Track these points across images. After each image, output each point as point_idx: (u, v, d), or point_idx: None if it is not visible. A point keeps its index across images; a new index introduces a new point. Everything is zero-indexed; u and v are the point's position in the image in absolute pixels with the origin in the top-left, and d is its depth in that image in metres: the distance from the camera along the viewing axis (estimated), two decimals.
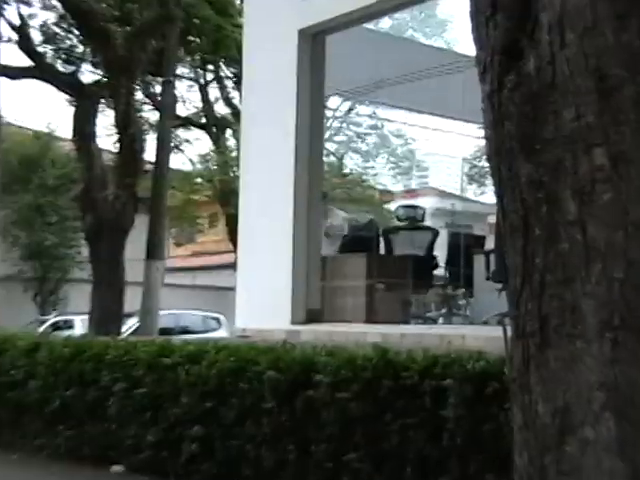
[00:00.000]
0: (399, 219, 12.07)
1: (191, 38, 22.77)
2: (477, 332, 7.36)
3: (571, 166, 2.13)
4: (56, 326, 23.14)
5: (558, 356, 2.16)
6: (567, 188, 2.13)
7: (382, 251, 10.79)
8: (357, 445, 5.75)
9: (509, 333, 2.36)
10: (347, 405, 5.79)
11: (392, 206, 24.28)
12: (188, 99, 28.19)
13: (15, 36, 19.06)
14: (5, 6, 18.13)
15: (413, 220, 11.60)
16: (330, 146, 29.10)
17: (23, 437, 8.96)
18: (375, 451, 5.64)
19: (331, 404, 5.89)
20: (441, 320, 10.22)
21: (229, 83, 27.38)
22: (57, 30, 21.59)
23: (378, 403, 5.63)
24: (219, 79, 27.75)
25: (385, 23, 10.26)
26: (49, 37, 21.54)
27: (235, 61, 21.17)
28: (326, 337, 7.73)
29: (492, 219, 12.61)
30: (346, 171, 32.47)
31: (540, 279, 2.18)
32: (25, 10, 20.41)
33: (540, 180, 2.19)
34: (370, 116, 32.51)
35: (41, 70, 19.68)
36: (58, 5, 20.37)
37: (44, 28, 21.41)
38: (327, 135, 23.26)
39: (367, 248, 10.21)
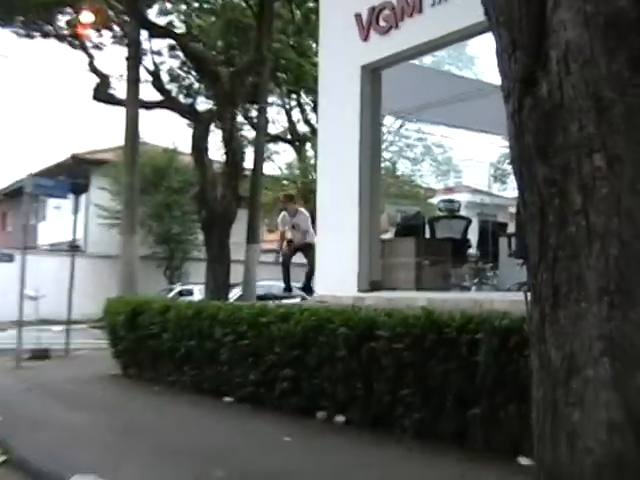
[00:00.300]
0: (440, 210, 11.97)
1: (279, 74, 22.85)
2: (502, 297, 7.27)
3: (576, 167, 2.14)
4: (180, 293, 23.52)
5: (567, 315, 2.17)
6: (574, 185, 2.14)
7: (427, 235, 10.73)
8: (409, 384, 5.74)
9: (529, 297, 2.37)
10: (401, 354, 5.77)
11: (434, 200, 24.12)
12: (277, 120, 28.39)
13: (150, 78, 19.35)
14: (143, 57, 18.40)
15: (451, 211, 11.50)
16: (386, 154, 28.94)
17: (160, 375, 9.15)
18: (423, 388, 5.62)
19: (389, 353, 5.88)
20: (474, 288, 10.11)
21: (308, 108, 27.45)
22: (180, 72, 21.89)
23: (425, 352, 5.61)
24: (300, 105, 27.85)
25: (427, 59, 10.25)
26: (174, 78, 21.86)
27: (312, 91, 21.17)
28: (385, 302, 7.73)
29: (512, 209, 12.46)
30: (398, 174, 32.33)
31: (553, 256, 2.18)
32: (157, 59, 20.74)
33: (553, 179, 2.20)
34: (416, 131, 32.26)
35: (169, 102, 19.95)
36: (181, 54, 20.64)
37: (171, 71, 21.73)
38: (383, 146, 23.13)
39: (415, 233, 10.16)
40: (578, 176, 2.14)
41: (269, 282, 22.26)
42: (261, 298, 16.61)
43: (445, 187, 34.83)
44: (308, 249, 11.91)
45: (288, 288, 12.57)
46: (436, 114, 12.33)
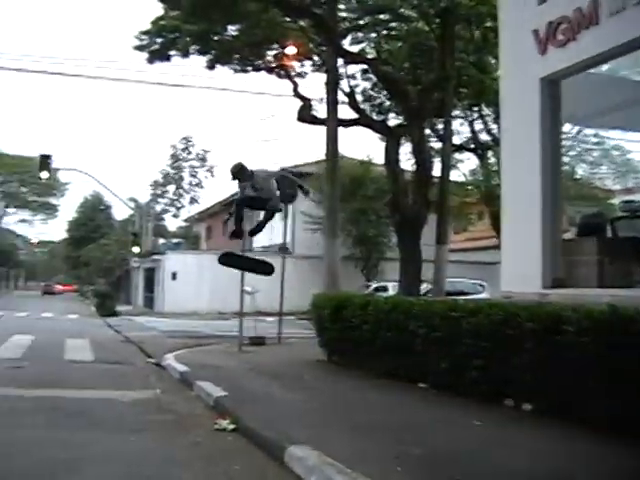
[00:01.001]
0: (622, 210, 11.21)
1: (461, 90, 22.47)
2: None
3: None
4: (376, 289, 23.79)
5: None
6: None
7: (609, 234, 10.08)
8: (595, 376, 5.44)
9: None
10: (587, 346, 5.49)
11: (614, 201, 22.71)
12: (460, 131, 27.98)
13: (346, 99, 19.73)
14: (340, 81, 18.80)
15: (633, 210, 10.74)
16: (564, 159, 27.66)
17: (360, 361, 9.29)
18: (609, 380, 5.31)
19: (575, 345, 5.61)
20: None
21: (489, 118, 26.86)
22: (372, 93, 22.14)
23: (611, 345, 5.30)
24: (482, 116, 27.27)
25: (603, 67, 9.65)
26: (367, 98, 22.15)
27: (493, 103, 20.67)
28: (568, 298, 7.37)
29: None
30: (577, 177, 30.78)
31: None
32: (352, 82, 21.15)
33: None
34: (594, 135, 30.60)
35: (363, 120, 20.22)
36: (372, 77, 20.89)
37: (364, 92, 22.03)
38: (562, 151, 22.19)
39: (597, 232, 9.59)
40: None
41: (455, 279, 22.01)
42: (447, 294, 16.44)
43: (625, 188, 32.70)
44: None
45: None
46: (614, 119, 11.59)
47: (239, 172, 9.97)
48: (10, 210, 72.92)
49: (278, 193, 10.16)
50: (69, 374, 9.62)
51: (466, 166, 31.59)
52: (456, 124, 26.22)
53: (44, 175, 31.61)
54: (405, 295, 13.59)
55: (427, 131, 22.68)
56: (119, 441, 5.65)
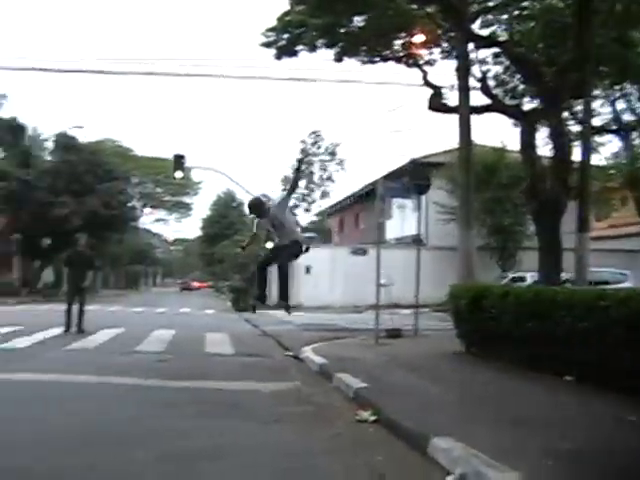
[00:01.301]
0: None
1: (601, 68, 21.45)
2: None
3: None
4: (513, 280, 23.28)
5: None
6: None
7: None
8: None
9: None
10: None
11: None
12: (600, 112, 26.74)
13: (478, 85, 19.37)
14: (471, 66, 18.46)
15: None
16: None
17: (500, 353, 9.19)
18: None
19: None
20: None
21: (633, 97, 25.50)
22: (505, 77, 21.59)
23: None
24: (624, 95, 25.92)
25: None
26: (500, 82, 21.61)
27: (638, 80, 19.61)
28: None
29: None
30: None
31: None
32: (483, 67, 20.71)
33: None
34: None
35: (496, 105, 19.76)
36: (504, 60, 20.39)
37: (496, 77, 21.52)
38: None
39: None
40: None
41: (597, 268, 21.11)
42: (589, 283, 15.82)
43: None
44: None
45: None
46: None
47: (257, 208, 10.12)
48: (146, 210, 77.01)
49: (299, 229, 10.09)
50: (211, 367, 10.08)
51: (607, 149, 30.22)
52: (596, 105, 25.13)
53: (178, 175, 33.03)
54: (545, 285, 13.19)
55: (565, 113, 21.86)
56: (261, 432, 5.89)
